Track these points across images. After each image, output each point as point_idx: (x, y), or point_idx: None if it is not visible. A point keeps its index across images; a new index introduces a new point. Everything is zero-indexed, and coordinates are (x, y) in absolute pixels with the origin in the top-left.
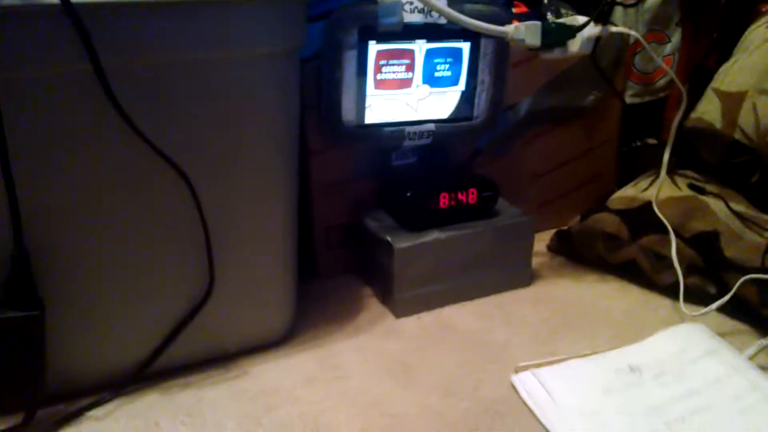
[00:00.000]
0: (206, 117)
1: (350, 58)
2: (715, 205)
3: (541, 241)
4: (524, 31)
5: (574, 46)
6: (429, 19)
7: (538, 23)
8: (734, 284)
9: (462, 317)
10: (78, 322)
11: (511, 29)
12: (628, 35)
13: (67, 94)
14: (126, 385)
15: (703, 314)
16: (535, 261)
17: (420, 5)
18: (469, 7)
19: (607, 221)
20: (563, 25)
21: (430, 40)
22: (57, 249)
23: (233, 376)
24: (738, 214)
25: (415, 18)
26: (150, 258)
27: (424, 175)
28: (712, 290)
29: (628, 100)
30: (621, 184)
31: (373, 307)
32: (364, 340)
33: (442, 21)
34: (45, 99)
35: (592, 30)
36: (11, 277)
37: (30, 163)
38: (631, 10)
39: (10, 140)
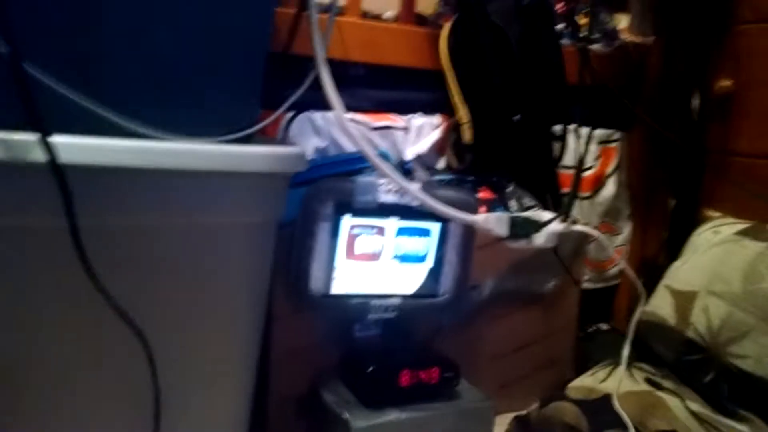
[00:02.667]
0: (175, 279)
1: (323, 229)
2: (673, 402)
3: (500, 425)
4: (493, 222)
5: (539, 239)
6: (402, 200)
7: (506, 216)
8: None
9: None
10: None
11: (480, 219)
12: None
13: (37, 245)
14: None
15: None
16: None
17: (391, 186)
18: (441, 193)
19: (566, 411)
20: (529, 219)
21: (402, 218)
22: None
23: None
24: (695, 414)
25: (389, 198)
26: (92, 418)
27: (386, 349)
28: None
29: (582, 285)
30: (580, 371)
31: None
32: None
33: (415, 203)
34: (14, 247)
35: (557, 226)
36: None
37: None
38: (585, 203)
39: None
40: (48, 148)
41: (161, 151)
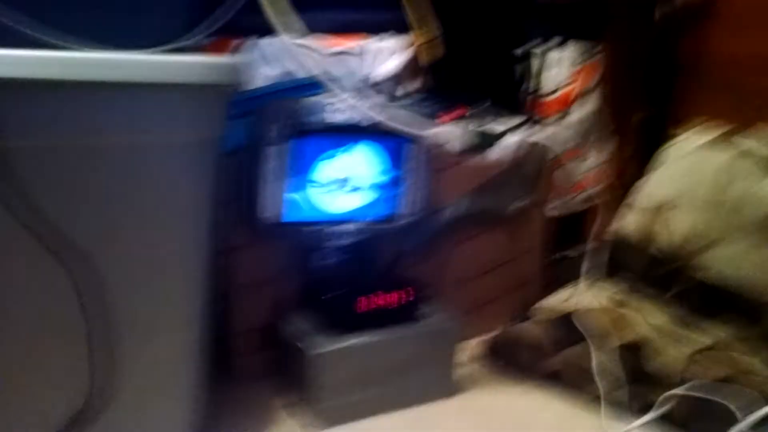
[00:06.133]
0: (111, 202)
1: (272, 153)
2: (637, 318)
3: (467, 348)
4: (448, 135)
5: (495, 152)
6: (352, 121)
7: (461, 129)
8: (657, 398)
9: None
10: None
11: (434, 132)
12: (548, 148)
13: None
14: None
15: (626, 431)
16: (460, 370)
17: (342, 106)
18: (393, 111)
19: (530, 332)
20: (483, 132)
21: (354, 139)
22: None
23: None
24: (659, 328)
25: (339, 118)
26: (40, 356)
27: (347, 276)
28: (635, 404)
29: (549, 212)
30: (545, 294)
31: (287, 419)
32: None
33: (366, 122)
34: None
35: (513, 138)
36: None
37: None
38: (559, 124)
39: None
40: None
41: (85, 62)
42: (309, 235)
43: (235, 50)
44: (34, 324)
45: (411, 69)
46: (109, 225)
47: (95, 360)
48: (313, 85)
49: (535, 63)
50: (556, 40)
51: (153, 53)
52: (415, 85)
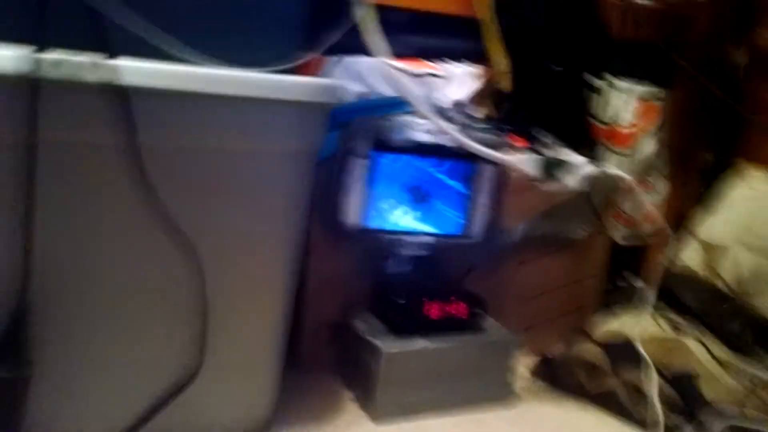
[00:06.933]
0: (221, 201)
1: (360, 165)
2: (695, 347)
3: (523, 364)
4: (525, 162)
5: (571, 180)
6: (437, 141)
7: (538, 156)
8: (711, 427)
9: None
10: (60, 387)
11: (513, 158)
12: (619, 178)
13: (98, 160)
14: None
15: None
16: (517, 383)
17: (430, 126)
18: (476, 135)
19: (589, 352)
20: (561, 161)
21: (437, 159)
22: (54, 311)
23: None
24: (717, 358)
25: (425, 138)
26: (143, 329)
27: (417, 283)
28: (690, 430)
29: (615, 240)
30: (604, 318)
31: (352, 410)
32: None
33: (450, 143)
34: (77, 162)
35: (588, 168)
36: (5, 335)
37: (49, 221)
38: (623, 158)
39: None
40: (111, 69)
41: (212, 78)
42: (385, 242)
43: (325, 68)
44: (148, 299)
45: (481, 97)
46: (215, 219)
47: (192, 335)
48: (398, 104)
49: (604, 97)
50: (627, 76)
51: (267, 72)
52: (484, 112)
